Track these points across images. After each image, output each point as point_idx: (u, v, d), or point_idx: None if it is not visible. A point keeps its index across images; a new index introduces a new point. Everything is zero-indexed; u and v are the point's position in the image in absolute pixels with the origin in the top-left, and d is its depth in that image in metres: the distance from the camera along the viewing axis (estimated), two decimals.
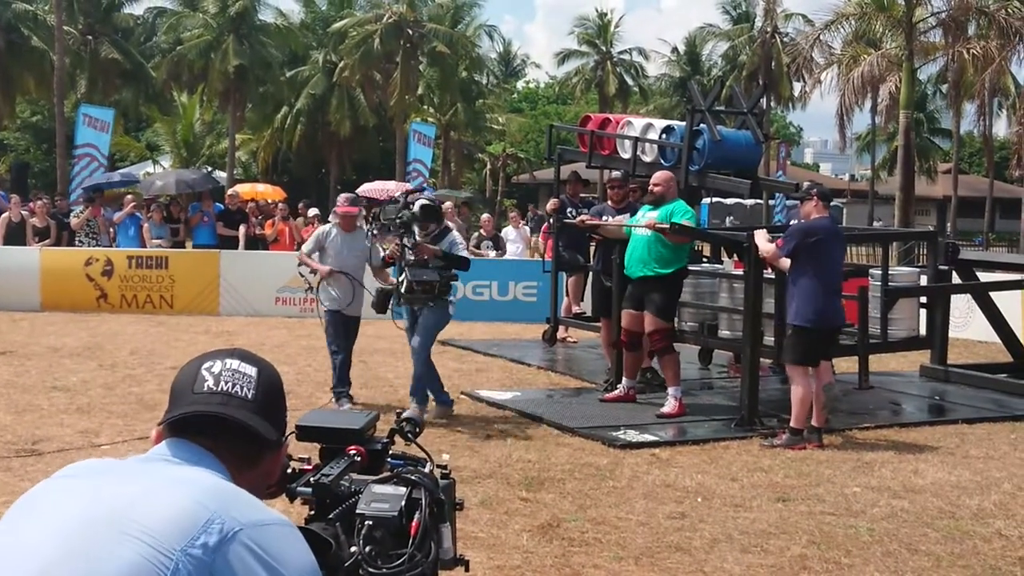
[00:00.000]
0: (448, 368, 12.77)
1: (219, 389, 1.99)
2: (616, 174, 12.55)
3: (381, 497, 2.46)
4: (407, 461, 2.67)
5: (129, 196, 21.48)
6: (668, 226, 9.87)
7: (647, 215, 10.23)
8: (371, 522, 2.40)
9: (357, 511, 2.43)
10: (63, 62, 38.22)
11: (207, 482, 1.89)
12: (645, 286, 10.15)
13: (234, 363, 2.04)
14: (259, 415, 2.01)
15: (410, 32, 48.87)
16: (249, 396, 2.01)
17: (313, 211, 21.41)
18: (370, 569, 2.37)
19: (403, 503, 2.45)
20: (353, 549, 2.39)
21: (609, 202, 12.10)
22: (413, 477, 2.55)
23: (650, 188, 10.35)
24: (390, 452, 2.70)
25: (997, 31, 34.28)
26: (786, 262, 9.28)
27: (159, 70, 47.86)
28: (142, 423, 9.15)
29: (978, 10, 34.58)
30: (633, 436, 9.23)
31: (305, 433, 2.70)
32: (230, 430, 1.98)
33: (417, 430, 2.80)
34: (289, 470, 2.51)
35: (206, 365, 2.03)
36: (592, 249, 13.20)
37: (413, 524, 2.43)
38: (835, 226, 9.47)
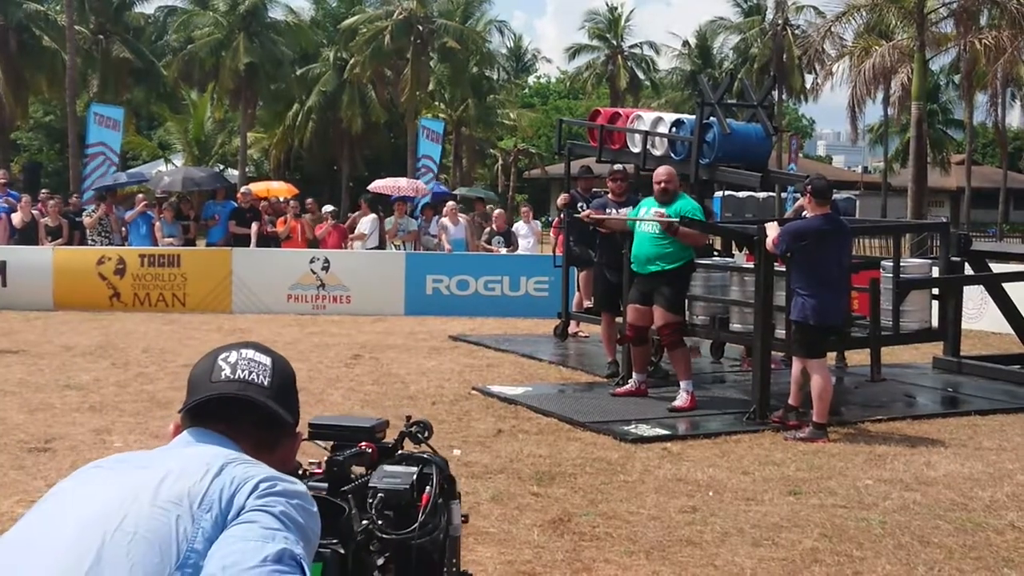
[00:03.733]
0: (459, 363, 12.80)
1: (236, 377, 2.06)
2: (617, 166, 12.54)
3: (393, 473, 2.51)
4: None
5: (140, 195, 21.53)
6: (677, 220, 9.85)
7: (651, 210, 10.20)
8: (383, 494, 2.44)
9: (369, 485, 2.47)
10: (74, 62, 38.34)
11: (220, 451, 1.97)
12: (653, 281, 10.13)
13: (249, 353, 2.12)
14: (275, 400, 2.07)
15: (420, 28, 48.89)
16: (265, 383, 2.08)
17: (328, 208, 21.42)
18: (382, 535, 2.40)
19: (414, 478, 2.49)
20: (364, 522, 2.43)
21: (610, 195, 12.10)
22: (424, 456, 2.60)
23: (658, 184, 10.29)
24: (399, 453, 2.72)
25: (1009, 21, 34.10)
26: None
27: (170, 69, 47.99)
28: (155, 421, 9.17)
29: (990, 0, 34.43)
30: (644, 430, 9.22)
31: (317, 431, 2.74)
32: (247, 413, 2.05)
33: (426, 433, 2.83)
34: (301, 471, 2.54)
35: (223, 356, 2.11)
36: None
37: (424, 496, 2.47)
38: (833, 223, 9.37)
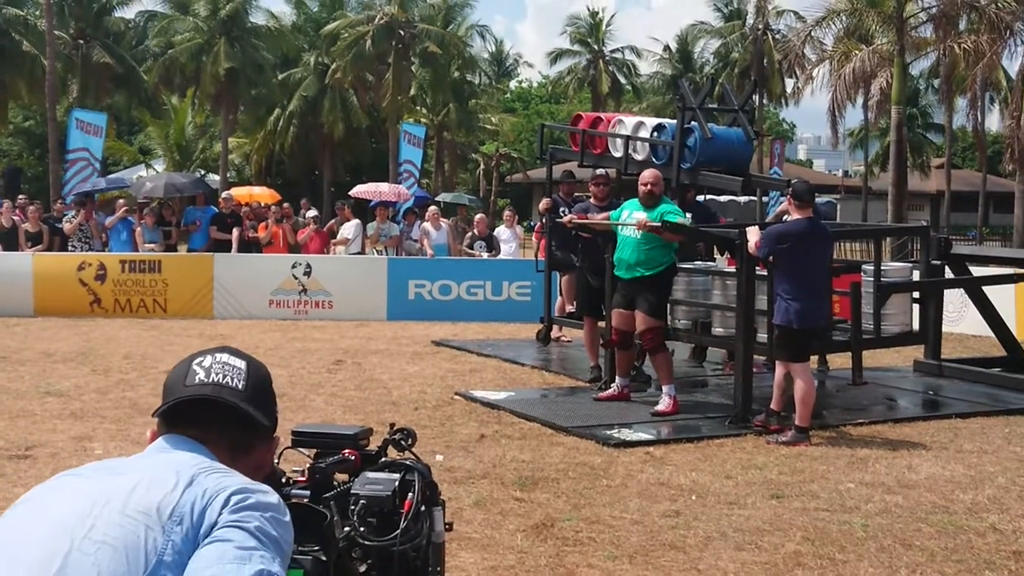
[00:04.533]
0: (442, 368, 12.79)
1: (210, 380, 2.05)
2: (599, 171, 12.55)
3: (375, 480, 2.50)
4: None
5: (121, 200, 21.43)
6: (660, 224, 9.86)
7: (633, 214, 10.21)
8: (365, 501, 2.44)
9: (352, 492, 2.47)
10: (54, 67, 38.19)
11: (191, 459, 1.95)
12: (636, 286, 10.14)
13: (224, 357, 2.11)
14: (250, 404, 2.06)
15: (402, 33, 48.85)
16: (240, 386, 2.07)
17: (312, 212, 21.38)
18: (364, 541, 2.40)
19: (396, 485, 2.49)
20: (347, 528, 2.42)
21: (592, 199, 12.11)
22: (407, 463, 2.59)
23: (643, 187, 10.30)
24: (382, 460, 2.72)
25: (988, 25, 34.35)
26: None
27: (151, 74, 47.80)
28: (136, 427, 9.13)
29: (968, 4, 34.64)
30: (627, 435, 9.23)
31: (301, 439, 2.73)
32: (221, 417, 2.04)
33: (410, 440, 2.83)
34: (284, 478, 2.53)
35: (197, 360, 2.10)
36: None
37: (406, 502, 2.47)
38: (814, 226, 9.40)
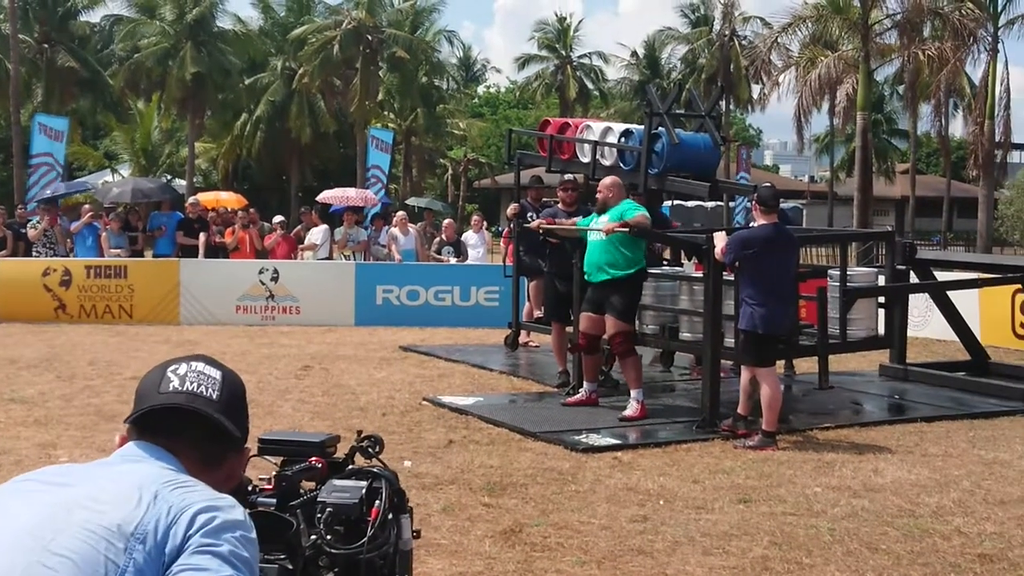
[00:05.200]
0: (410, 374, 12.76)
1: (184, 389, 2.03)
2: (567, 176, 12.59)
3: (342, 488, 2.50)
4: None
5: (87, 206, 21.27)
6: (624, 224, 9.88)
7: (599, 222, 10.25)
8: (332, 509, 2.43)
9: (318, 499, 2.46)
10: (18, 71, 37.88)
11: (156, 473, 1.92)
12: (606, 289, 10.16)
13: (199, 365, 2.09)
14: (224, 415, 2.04)
15: (369, 38, 48.75)
16: (214, 396, 2.05)
17: (278, 218, 21.29)
18: (331, 550, 2.39)
19: (363, 492, 2.48)
20: (313, 537, 2.41)
21: (560, 205, 12.13)
22: (374, 470, 2.58)
23: (598, 194, 10.44)
24: (349, 467, 2.71)
25: (951, 32, 34.68)
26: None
27: (116, 78, 47.46)
28: (101, 434, 9.06)
29: (933, 11, 34.96)
30: (595, 440, 9.24)
31: (268, 446, 2.71)
32: (193, 426, 2.01)
33: (378, 447, 2.82)
34: (251, 486, 2.52)
35: (172, 368, 2.08)
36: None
37: (373, 510, 2.46)
38: (780, 232, 9.45)
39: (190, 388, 2.03)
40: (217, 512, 1.85)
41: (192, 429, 2.02)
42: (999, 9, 37.98)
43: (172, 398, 2.02)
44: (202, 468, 2.01)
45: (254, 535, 1.89)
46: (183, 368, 2.08)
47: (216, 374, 2.09)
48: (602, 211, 10.25)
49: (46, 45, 45.27)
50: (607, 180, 10.60)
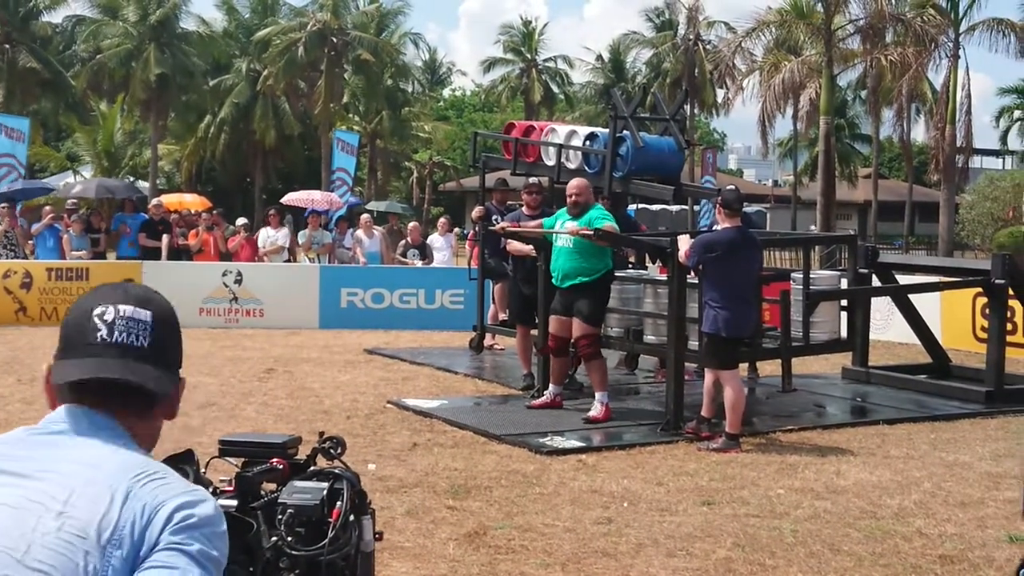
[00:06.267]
0: (374, 377, 12.73)
1: (114, 340, 1.92)
2: (532, 179, 12.59)
3: (303, 489, 2.48)
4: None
5: (48, 207, 21.08)
6: (592, 231, 9.88)
7: (565, 224, 10.24)
8: (293, 510, 2.41)
9: (279, 501, 2.44)
10: None
11: (123, 462, 1.85)
12: (573, 293, 10.16)
13: (128, 310, 1.95)
14: (157, 364, 1.94)
15: (334, 40, 48.65)
16: (145, 344, 1.94)
17: (241, 220, 21.19)
18: (292, 551, 2.37)
19: (325, 494, 2.47)
20: (274, 538, 2.40)
21: (524, 208, 12.13)
22: (335, 472, 2.57)
23: (570, 197, 10.36)
24: (310, 469, 2.70)
25: (914, 38, 35.00)
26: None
27: (79, 79, 47.12)
28: None
29: (895, 17, 35.26)
30: (560, 442, 9.24)
31: (229, 448, 2.69)
32: (128, 390, 1.91)
33: (339, 449, 2.80)
34: (211, 488, 2.50)
35: (97, 311, 1.94)
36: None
37: (335, 511, 2.45)
38: (742, 235, 9.49)
39: (120, 339, 1.91)
40: (189, 509, 1.81)
41: (126, 392, 1.91)
42: (960, 15, 38.40)
43: (103, 354, 1.91)
44: (140, 419, 1.94)
45: (224, 528, 1.85)
46: (111, 313, 1.93)
47: (146, 316, 1.95)
48: (574, 214, 10.21)
49: (7, 45, 44.93)
50: (579, 182, 10.58)
